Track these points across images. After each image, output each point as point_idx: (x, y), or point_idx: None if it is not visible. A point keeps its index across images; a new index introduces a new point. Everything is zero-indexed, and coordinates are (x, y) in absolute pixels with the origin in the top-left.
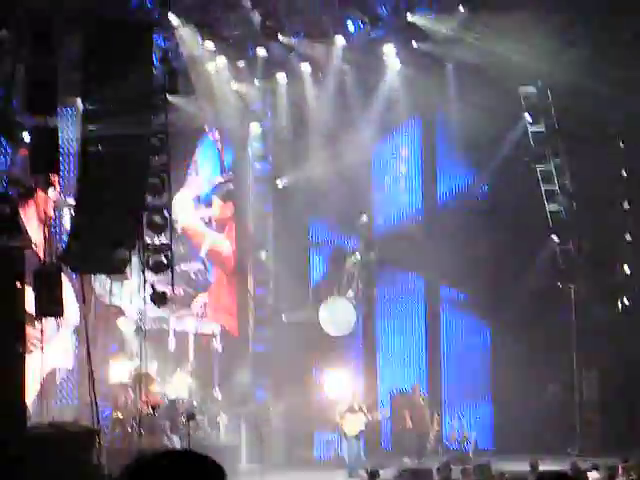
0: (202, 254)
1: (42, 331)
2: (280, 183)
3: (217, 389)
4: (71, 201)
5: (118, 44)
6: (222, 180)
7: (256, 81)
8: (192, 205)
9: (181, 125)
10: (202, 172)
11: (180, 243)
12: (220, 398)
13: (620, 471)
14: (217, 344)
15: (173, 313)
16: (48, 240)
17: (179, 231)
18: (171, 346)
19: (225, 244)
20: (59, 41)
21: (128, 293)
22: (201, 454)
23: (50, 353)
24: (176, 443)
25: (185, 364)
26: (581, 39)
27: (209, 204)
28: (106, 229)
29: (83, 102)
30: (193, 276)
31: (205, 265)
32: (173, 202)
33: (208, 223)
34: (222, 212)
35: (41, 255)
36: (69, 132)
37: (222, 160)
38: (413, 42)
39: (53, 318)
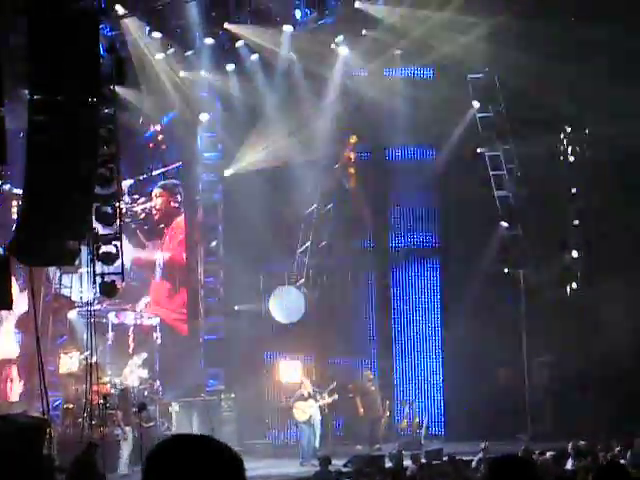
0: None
1: None
2: (228, 172)
3: (158, 381)
4: (19, 192)
5: (64, 33)
6: (163, 171)
7: (203, 72)
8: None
9: (124, 118)
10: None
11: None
12: (161, 389)
13: (570, 455)
14: (157, 336)
15: (112, 306)
16: None
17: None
18: (110, 338)
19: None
20: (3, 31)
21: (77, 284)
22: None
23: None
24: (128, 433)
25: (135, 355)
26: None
27: (148, 197)
28: (55, 220)
29: (30, 92)
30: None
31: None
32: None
33: (148, 215)
34: (163, 205)
35: None
36: (16, 123)
37: (163, 153)
38: (362, 29)
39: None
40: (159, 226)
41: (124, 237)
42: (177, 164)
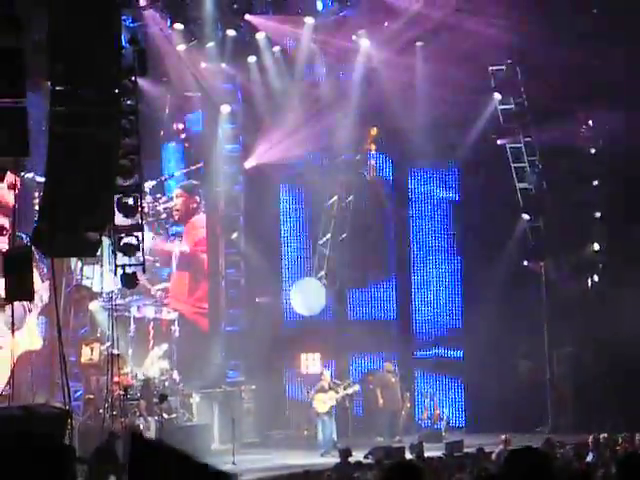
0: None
1: (12, 315)
2: (249, 164)
3: (175, 371)
4: (41, 182)
5: (86, 24)
6: (185, 172)
7: (223, 64)
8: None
9: (146, 111)
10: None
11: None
12: (179, 380)
13: (590, 447)
14: (175, 329)
15: (134, 300)
16: (18, 223)
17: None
18: (132, 331)
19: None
20: (26, 22)
21: (99, 275)
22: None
23: (19, 338)
24: (152, 424)
25: (156, 346)
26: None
27: (170, 196)
28: (76, 211)
29: (52, 84)
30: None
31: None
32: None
33: (169, 215)
34: (184, 204)
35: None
36: (39, 113)
37: (186, 151)
38: (384, 21)
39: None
40: (179, 226)
41: (146, 229)
42: (199, 165)
